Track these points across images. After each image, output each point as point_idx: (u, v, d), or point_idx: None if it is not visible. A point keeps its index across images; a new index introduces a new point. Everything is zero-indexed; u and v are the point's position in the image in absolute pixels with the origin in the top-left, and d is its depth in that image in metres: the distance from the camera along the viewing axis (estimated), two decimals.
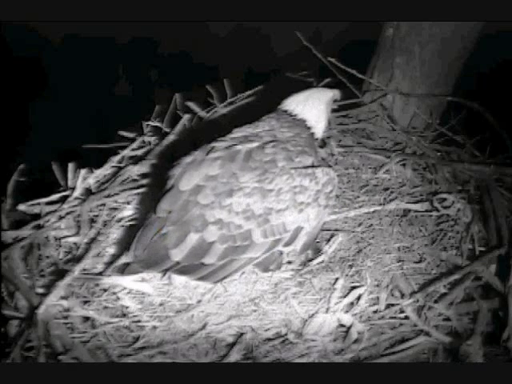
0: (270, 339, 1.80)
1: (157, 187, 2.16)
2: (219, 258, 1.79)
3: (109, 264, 1.98)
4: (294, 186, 1.81)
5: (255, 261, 1.86)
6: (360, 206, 2.38)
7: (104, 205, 2.28)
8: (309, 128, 2.07)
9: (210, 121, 2.84)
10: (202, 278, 1.82)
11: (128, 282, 1.89)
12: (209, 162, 1.82)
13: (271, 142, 1.90)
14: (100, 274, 1.96)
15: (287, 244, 1.87)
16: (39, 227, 2.15)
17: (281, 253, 1.96)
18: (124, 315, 1.86)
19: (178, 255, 1.76)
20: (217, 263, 1.80)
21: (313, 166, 1.89)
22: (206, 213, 1.76)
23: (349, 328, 1.80)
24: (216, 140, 1.95)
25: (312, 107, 2.10)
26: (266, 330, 1.83)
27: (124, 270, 1.84)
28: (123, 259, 1.85)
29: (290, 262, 2.09)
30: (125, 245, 1.95)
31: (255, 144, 1.88)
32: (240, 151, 1.84)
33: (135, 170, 2.45)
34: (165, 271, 1.83)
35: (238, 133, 1.99)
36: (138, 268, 1.81)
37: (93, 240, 2.09)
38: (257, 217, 1.79)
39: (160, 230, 1.78)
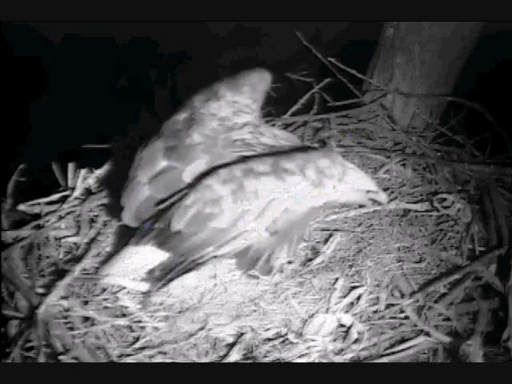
0: (270, 339, 1.80)
1: None
2: (187, 225, 1.66)
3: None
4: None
5: (224, 238, 1.68)
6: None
7: (104, 205, 2.27)
8: None
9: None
10: (170, 249, 1.70)
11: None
12: (223, 160, 1.80)
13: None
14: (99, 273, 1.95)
15: (258, 217, 1.64)
16: (39, 227, 2.15)
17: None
18: (124, 315, 1.86)
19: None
20: (184, 230, 1.67)
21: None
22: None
23: (349, 328, 1.80)
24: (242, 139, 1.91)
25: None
26: (266, 330, 1.83)
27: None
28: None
29: (290, 262, 2.09)
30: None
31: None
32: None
33: None
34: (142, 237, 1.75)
35: (269, 139, 1.94)
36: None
37: (93, 240, 2.09)
38: (235, 179, 1.64)
39: None
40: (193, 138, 1.86)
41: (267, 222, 1.67)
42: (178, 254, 1.72)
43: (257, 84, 2.04)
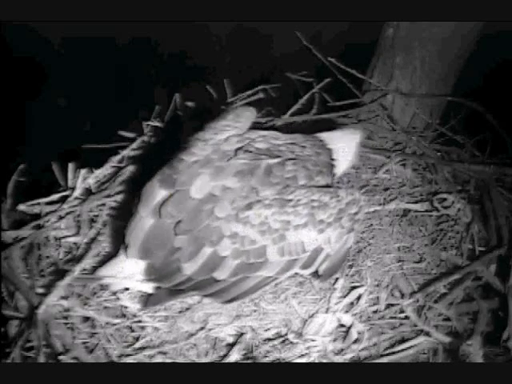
0: (270, 339, 1.81)
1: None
2: (231, 275, 1.73)
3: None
4: (312, 199, 1.74)
5: (271, 281, 1.79)
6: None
7: (104, 205, 2.27)
8: (332, 159, 1.97)
9: None
10: (212, 295, 1.77)
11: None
12: (227, 171, 1.75)
13: (291, 159, 1.84)
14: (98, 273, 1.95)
15: (305, 266, 1.79)
16: (39, 227, 2.15)
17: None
18: (124, 315, 1.86)
19: (189, 269, 1.71)
20: (229, 280, 1.74)
21: (333, 186, 1.84)
22: (223, 226, 1.69)
23: (349, 328, 1.80)
24: (241, 148, 1.87)
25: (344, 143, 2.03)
26: (266, 330, 1.84)
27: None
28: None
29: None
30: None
31: (276, 160, 1.81)
32: (260, 166, 1.78)
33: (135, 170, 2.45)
34: (176, 286, 1.76)
35: (261, 143, 1.91)
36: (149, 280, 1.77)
37: (93, 240, 2.09)
38: (273, 231, 1.71)
39: (171, 242, 1.72)
40: (184, 159, 1.82)
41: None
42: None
43: (241, 113, 2.02)
